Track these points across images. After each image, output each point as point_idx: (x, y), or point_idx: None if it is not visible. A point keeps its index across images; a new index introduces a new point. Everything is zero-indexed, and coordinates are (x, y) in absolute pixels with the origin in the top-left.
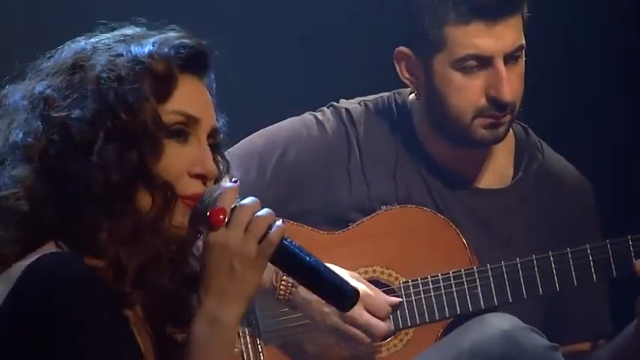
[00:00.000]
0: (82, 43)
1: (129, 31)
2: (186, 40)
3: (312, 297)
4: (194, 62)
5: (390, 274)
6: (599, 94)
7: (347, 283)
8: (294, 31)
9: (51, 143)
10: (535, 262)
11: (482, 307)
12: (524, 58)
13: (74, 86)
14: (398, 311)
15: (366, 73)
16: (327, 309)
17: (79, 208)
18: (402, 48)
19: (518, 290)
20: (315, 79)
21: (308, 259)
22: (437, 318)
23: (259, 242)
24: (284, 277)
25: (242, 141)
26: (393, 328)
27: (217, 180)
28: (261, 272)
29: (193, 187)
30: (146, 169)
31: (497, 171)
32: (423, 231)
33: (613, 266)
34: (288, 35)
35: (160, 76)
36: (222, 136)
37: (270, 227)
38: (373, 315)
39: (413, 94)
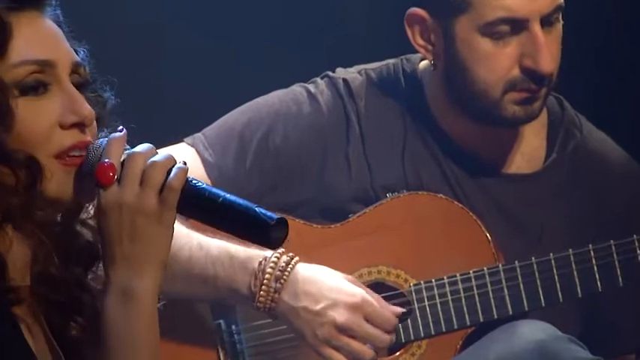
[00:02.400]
0: None
1: None
2: None
3: (300, 304)
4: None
5: (397, 275)
6: None
7: (270, 213)
8: None
9: None
10: (572, 257)
11: (510, 313)
12: (561, 21)
13: None
14: (408, 320)
15: (368, 37)
16: (319, 318)
17: None
18: (415, 9)
19: (552, 292)
20: (307, 45)
21: (220, 196)
22: (455, 327)
23: (160, 193)
24: (265, 281)
25: (218, 120)
26: (394, 340)
27: (99, 121)
28: (170, 225)
29: (71, 138)
30: None
31: (526, 152)
32: (437, 222)
33: None
34: None
35: None
36: (87, 69)
37: (169, 173)
38: (376, 327)
39: (425, 61)
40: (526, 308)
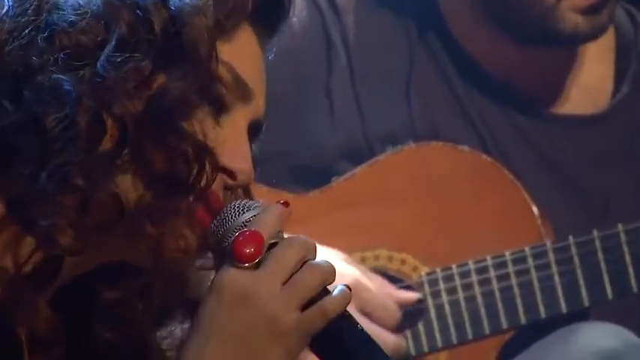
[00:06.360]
0: None
1: None
2: None
3: None
4: (264, 13)
5: (403, 261)
6: None
7: None
8: None
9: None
10: None
11: (564, 310)
12: None
13: None
14: (421, 323)
15: None
16: None
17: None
18: None
19: (622, 280)
20: None
21: (370, 349)
22: (486, 332)
23: (303, 308)
24: None
25: None
26: (405, 344)
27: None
28: (292, 357)
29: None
30: (170, 113)
31: (587, 85)
32: (457, 185)
33: None
34: None
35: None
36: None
37: (325, 290)
38: (374, 321)
39: None
40: (586, 303)
